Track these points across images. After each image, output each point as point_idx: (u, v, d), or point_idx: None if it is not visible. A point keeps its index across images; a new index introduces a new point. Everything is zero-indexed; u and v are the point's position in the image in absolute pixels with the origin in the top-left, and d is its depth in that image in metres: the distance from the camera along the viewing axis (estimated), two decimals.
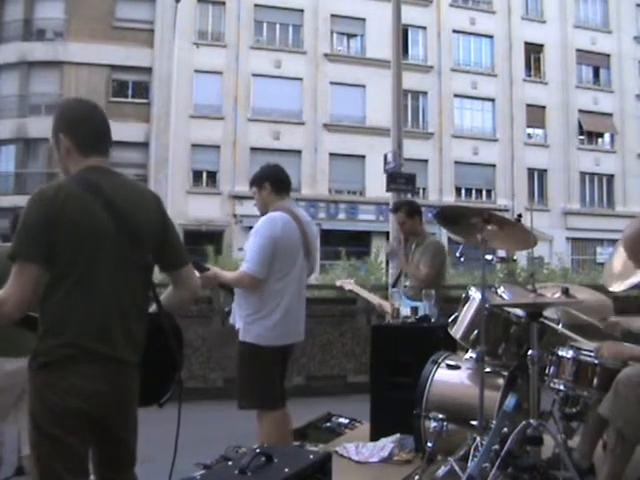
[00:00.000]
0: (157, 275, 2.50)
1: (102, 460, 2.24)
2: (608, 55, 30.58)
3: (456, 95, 28.34)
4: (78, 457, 2.09)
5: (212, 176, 25.43)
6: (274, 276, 3.49)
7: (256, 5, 26.07)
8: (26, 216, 2.08)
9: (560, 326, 3.62)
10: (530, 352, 3.12)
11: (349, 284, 5.59)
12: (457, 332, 3.71)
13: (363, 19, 27.13)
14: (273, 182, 3.68)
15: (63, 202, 2.06)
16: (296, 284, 3.58)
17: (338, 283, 5.76)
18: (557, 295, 3.69)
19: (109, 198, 2.14)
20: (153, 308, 2.33)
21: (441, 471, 3.30)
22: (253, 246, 3.50)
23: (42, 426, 2.06)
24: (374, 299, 5.47)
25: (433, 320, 4.44)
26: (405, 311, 4.77)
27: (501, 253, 5.29)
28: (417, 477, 3.39)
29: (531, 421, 3.00)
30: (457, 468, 3.18)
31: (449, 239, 4.77)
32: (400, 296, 5.07)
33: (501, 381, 3.50)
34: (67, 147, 2.21)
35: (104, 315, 2.10)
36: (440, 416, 3.43)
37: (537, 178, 29.19)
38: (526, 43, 29.47)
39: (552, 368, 3.39)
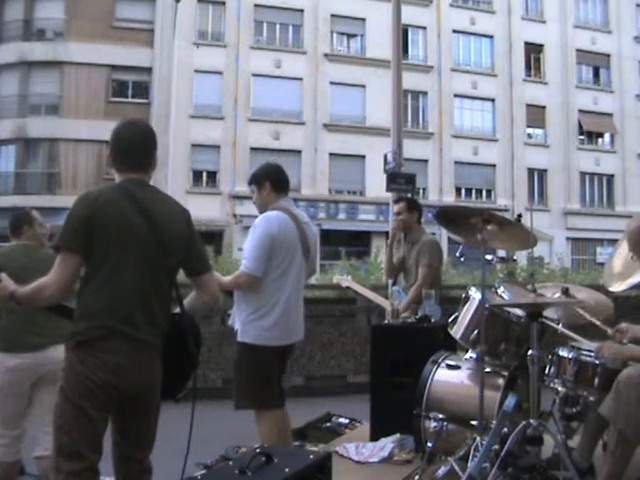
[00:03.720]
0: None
1: (123, 437, 2.42)
2: (608, 55, 30.57)
3: (456, 95, 28.32)
4: (97, 431, 2.31)
5: (212, 176, 25.42)
6: (271, 275, 3.48)
7: (256, 5, 26.06)
8: (71, 213, 2.39)
9: (560, 326, 3.62)
10: (530, 352, 3.12)
11: (346, 281, 5.56)
12: (457, 332, 3.71)
13: (363, 19, 27.12)
14: (273, 182, 3.67)
15: (103, 205, 2.37)
16: (294, 284, 3.57)
17: (335, 280, 5.73)
18: (557, 295, 3.69)
19: (144, 206, 2.44)
20: (177, 309, 2.55)
21: (441, 471, 3.30)
22: (250, 245, 3.51)
23: (71, 397, 2.29)
24: (372, 296, 5.47)
25: (435, 319, 4.44)
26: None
27: (501, 253, 5.29)
28: (417, 477, 3.38)
29: (531, 421, 3.00)
30: (457, 468, 3.18)
31: (449, 239, 4.77)
32: (400, 294, 5.08)
33: (501, 381, 3.50)
34: (110, 162, 2.57)
35: (130, 304, 2.37)
36: (440, 416, 3.43)
37: (537, 178, 29.18)
38: (526, 43, 29.46)
39: (552, 368, 3.39)
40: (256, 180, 3.70)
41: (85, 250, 2.34)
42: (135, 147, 2.54)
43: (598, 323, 3.53)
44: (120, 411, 2.38)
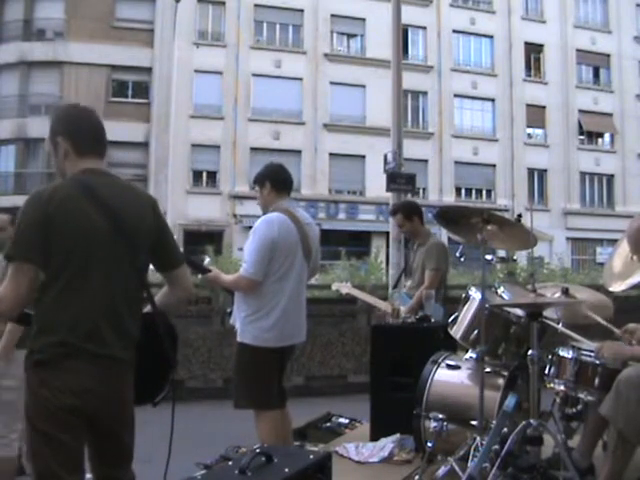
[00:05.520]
0: (157, 276, 2.54)
1: (98, 457, 2.27)
2: (608, 55, 30.56)
3: (456, 95, 28.32)
4: (72, 453, 2.12)
5: (212, 176, 25.41)
6: (271, 277, 3.49)
7: (256, 5, 26.05)
8: (22, 217, 2.14)
9: (560, 326, 3.62)
10: (530, 352, 3.12)
11: (345, 287, 5.54)
12: (457, 332, 3.71)
13: (363, 19, 27.11)
14: (274, 181, 3.68)
15: (58, 204, 2.11)
16: (294, 285, 3.57)
17: (334, 287, 5.70)
18: (557, 295, 3.69)
19: (104, 200, 2.19)
20: (148, 308, 2.37)
21: (441, 471, 3.30)
22: (250, 248, 3.51)
23: (36, 423, 2.11)
24: (372, 300, 5.46)
25: (437, 319, 4.44)
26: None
27: (501, 253, 5.29)
28: (417, 477, 3.38)
29: (531, 421, 3.00)
30: (457, 468, 3.18)
31: (449, 239, 4.76)
32: (400, 296, 5.08)
33: (501, 381, 3.50)
34: (66, 150, 2.27)
35: (95, 315, 2.15)
36: (440, 416, 3.42)
37: (537, 178, 29.18)
38: (526, 43, 29.45)
39: (552, 368, 3.39)
40: (258, 180, 3.73)
41: (41, 258, 2.09)
42: (97, 128, 2.33)
43: (605, 323, 3.52)
44: (92, 433, 2.20)
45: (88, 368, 2.11)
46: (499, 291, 3.82)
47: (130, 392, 2.26)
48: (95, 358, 2.13)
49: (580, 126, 29.82)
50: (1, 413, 3.50)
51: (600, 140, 30.95)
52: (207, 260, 4.59)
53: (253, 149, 25.02)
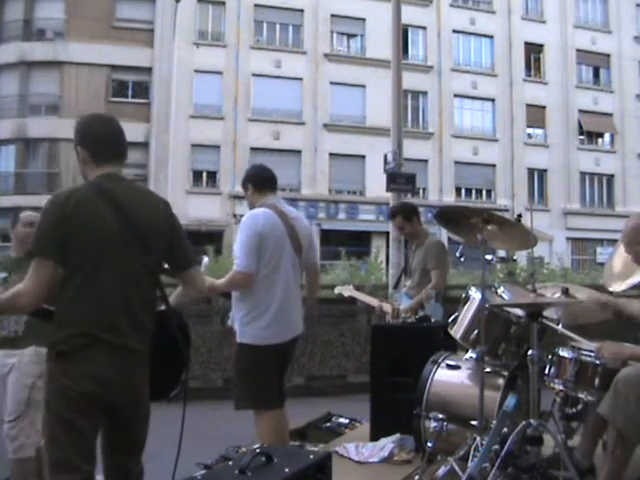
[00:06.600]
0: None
1: (112, 446, 2.38)
2: (608, 55, 30.57)
3: (456, 95, 28.32)
4: (88, 441, 2.26)
5: (212, 176, 25.41)
6: (262, 273, 3.49)
7: (256, 5, 26.06)
8: (43, 217, 2.31)
9: (560, 326, 3.62)
10: (530, 352, 3.12)
11: (348, 290, 5.56)
12: (457, 332, 3.71)
13: (363, 19, 27.11)
14: (254, 182, 3.79)
15: (74, 206, 2.27)
16: (287, 280, 3.58)
17: (337, 291, 5.73)
18: (557, 295, 3.69)
19: (118, 203, 2.34)
20: (162, 307, 2.48)
21: (441, 471, 3.30)
22: (239, 244, 3.54)
23: (56, 410, 2.23)
24: (374, 302, 5.47)
25: (437, 319, 4.44)
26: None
27: (501, 253, 5.28)
28: (417, 477, 3.39)
29: (531, 421, 3.00)
30: (457, 468, 3.18)
31: (449, 239, 4.77)
32: (401, 296, 5.08)
33: (501, 381, 3.51)
34: (84, 158, 2.45)
35: (111, 308, 2.29)
36: (440, 416, 3.43)
37: (537, 178, 29.18)
38: (526, 43, 29.45)
39: (552, 368, 3.39)
40: (242, 184, 3.86)
41: (60, 255, 2.24)
42: (113, 136, 2.47)
43: (594, 299, 3.49)
44: (108, 421, 2.33)
45: (107, 358, 2.24)
46: (499, 291, 3.83)
47: (146, 384, 2.37)
48: (113, 348, 2.26)
49: (580, 126, 29.83)
50: (33, 411, 3.47)
51: (600, 140, 30.94)
52: (205, 259, 4.60)
53: (253, 149, 25.03)
